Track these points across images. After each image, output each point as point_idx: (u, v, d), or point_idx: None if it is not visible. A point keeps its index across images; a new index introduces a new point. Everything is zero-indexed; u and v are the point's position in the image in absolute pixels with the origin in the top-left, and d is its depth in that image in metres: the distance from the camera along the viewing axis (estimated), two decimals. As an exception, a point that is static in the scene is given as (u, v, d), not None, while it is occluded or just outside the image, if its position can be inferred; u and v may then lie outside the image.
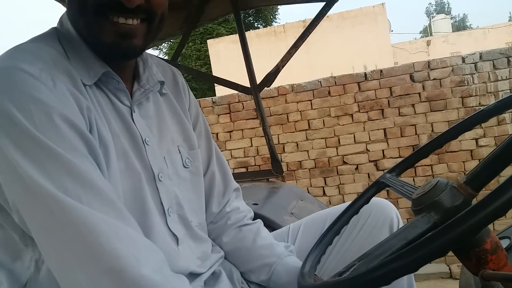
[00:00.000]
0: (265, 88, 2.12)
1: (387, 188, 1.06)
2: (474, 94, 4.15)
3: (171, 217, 0.90)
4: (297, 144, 4.52)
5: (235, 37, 11.27)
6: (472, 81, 4.15)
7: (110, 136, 0.81)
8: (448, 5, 59.55)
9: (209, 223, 1.08)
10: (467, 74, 4.15)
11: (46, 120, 0.70)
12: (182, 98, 1.06)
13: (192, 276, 0.89)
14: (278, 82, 4.73)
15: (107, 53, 0.84)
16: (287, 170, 4.56)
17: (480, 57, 4.14)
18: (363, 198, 1.07)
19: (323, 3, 1.74)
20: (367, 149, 4.38)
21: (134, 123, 0.88)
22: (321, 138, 4.47)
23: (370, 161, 4.36)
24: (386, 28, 9.40)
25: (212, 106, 4.65)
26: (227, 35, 12.82)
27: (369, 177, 4.34)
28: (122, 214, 0.71)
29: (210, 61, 11.79)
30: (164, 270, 0.71)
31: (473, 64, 4.15)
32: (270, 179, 1.81)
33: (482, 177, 0.76)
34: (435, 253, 0.56)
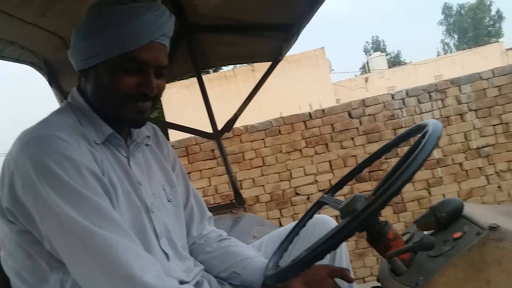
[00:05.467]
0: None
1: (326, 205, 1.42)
2: (404, 126, 4.74)
3: (162, 239, 1.20)
4: (254, 180, 4.86)
5: (187, 82, 11.71)
6: (401, 115, 4.76)
7: (117, 180, 1.11)
8: (383, 42, 64.20)
9: (192, 245, 1.37)
10: (396, 109, 4.75)
11: (76, 172, 0.99)
12: (162, 148, 1.37)
13: (182, 283, 1.18)
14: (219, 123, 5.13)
15: (126, 125, 1.16)
16: (245, 205, 4.86)
17: (407, 93, 4.77)
18: (308, 215, 1.41)
19: (270, 63, 2.14)
20: (316, 180, 4.80)
21: (131, 169, 1.18)
22: (275, 173, 4.85)
23: (319, 190, 4.78)
24: (327, 70, 10.28)
25: (171, 150, 4.90)
26: (179, 80, 13.29)
27: (320, 206, 4.73)
28: (130, 236, 1.01)
29: (161, 105, 12.10)
30: (161, 276, 1.01)
31: (401, 100, 4.77)
32: (233, 211, 2.11)
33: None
34: (342, 239, 0.92)
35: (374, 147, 4.75)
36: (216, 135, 2.21)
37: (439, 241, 1.03)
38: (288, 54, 2.11)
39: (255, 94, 2.22)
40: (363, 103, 4.78)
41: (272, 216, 4.84)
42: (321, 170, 4.81)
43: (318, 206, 1.41)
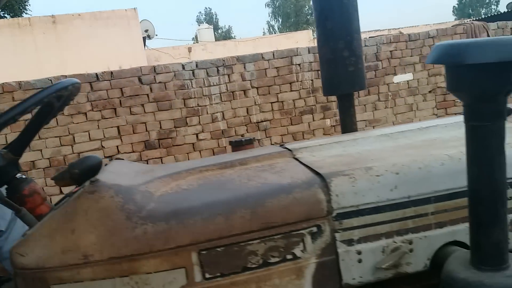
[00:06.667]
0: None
1: None
2: (193, 96, 4.94)
3: None
4: (28, 143, 4.39)
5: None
6: (191, 85, 4.94)
7: None
8: (216, 15, 65.41)
9: None
10: (186, 79, 4.91)
11: None
12: None
13: None
14: (8, 77, 4.48)
15: None
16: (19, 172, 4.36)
17: (196, 65, 4.96)
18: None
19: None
20: (102, 146, 4.64)
21: None
22: (55, 136, 4.47)
23: (105, 157, 4.63)
24: (139, 32, 9.96)
25: None
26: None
27: (104, 172, 4.60)
28: None
29: None
30: None
31: (192, 71, 4.94)
32: None
33: (19, 144, 1.12)
34: None
35: (164, 115, 4.83)
36: None
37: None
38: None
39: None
40: (154, 70, 4.77)
41: (51, 183, 4.47)
42: (108, 136, 4.65)
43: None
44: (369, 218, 0.97)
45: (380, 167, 1.00)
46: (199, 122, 4.99)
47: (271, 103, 5.34)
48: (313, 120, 5.59)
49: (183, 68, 4.87)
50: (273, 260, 0.93)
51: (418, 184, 0.98)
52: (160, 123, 4.80)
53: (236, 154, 1.29)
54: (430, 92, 6.00)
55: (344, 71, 1.59)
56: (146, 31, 14.82)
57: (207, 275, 0.90)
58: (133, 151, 4.70)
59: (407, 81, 5.88)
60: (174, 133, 4.88)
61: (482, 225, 0.84)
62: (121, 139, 4.69)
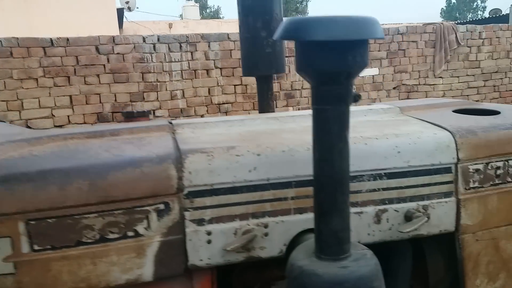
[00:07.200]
0: None
1: None
2: (152, 71, 4.82)
3: None
4: (-28, 105, 4.22)
5: None
6: (151, 60, 4.80)
7: None
8: (206, -6, 64.20)
9: None
10: (147, 53, 4.77)
11: None
12: None
13: None
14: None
15: None
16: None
17: (158, 39, 4.82)
18: None
19: None
20: (52, 114, 4.49)
21: None
22: (2, 100, 4.30)
23: (55, 126, 4.49)
24: (113, 4, 9.69)
25: None
26: None
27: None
28: None
29: None
30: None
31: (153, 45, 4.80)
32: None
33: None
34: None
35: (120, 88, 4.70)
36: None
37: None
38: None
39: None
40: (113, 40, 4.61)
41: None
42: (60, 105, 4.50)
43: None
44: (224, 198, 0.93)
45: (243, 147, 0.96)
46: (157, 98, 4.88)
47: (234, 85, 5.26)
48: (276, 107, 5.53)
49: (144, 40, 4.73)
50: (111, 236, 0.87)
51: (279, 167, 0.94)
52: (115, 95, 4.67)
53: (116, 125, 1.23)
54: (394, 88, 6.03)
55: (261, 52, 1.53)
56: (127, 2, 14.37)
57: (36, 247, 0.84)
58: (85, 122, 4.56)
59: (373, 75, 5.88)
60: (129, 107, 4.76)
61: (322, 213, 0.81)
62: (72, 109, 4.54)
